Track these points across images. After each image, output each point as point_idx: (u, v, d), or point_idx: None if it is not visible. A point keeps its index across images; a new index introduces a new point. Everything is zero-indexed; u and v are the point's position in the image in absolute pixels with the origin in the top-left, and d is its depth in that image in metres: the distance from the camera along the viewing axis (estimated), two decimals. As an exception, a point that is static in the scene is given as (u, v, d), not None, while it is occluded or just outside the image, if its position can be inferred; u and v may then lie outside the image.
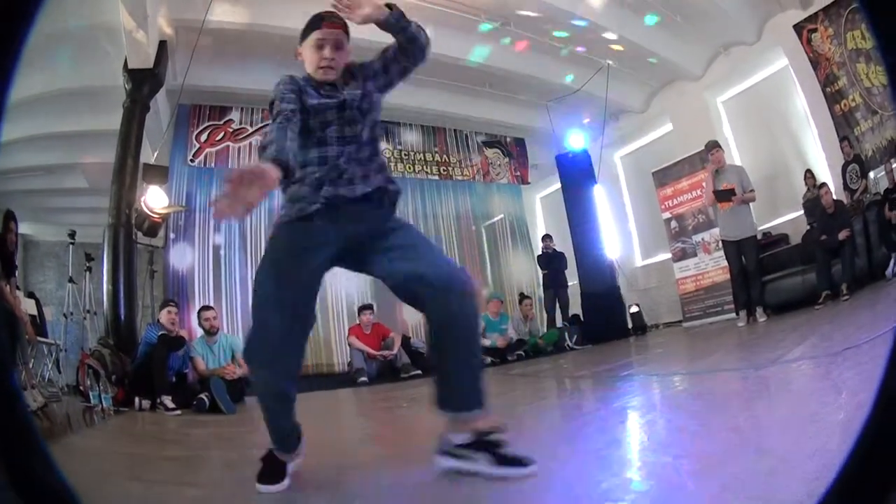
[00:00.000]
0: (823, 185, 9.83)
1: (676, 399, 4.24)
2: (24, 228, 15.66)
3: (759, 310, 9.18)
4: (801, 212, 10.66)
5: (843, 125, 10.45)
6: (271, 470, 2.78)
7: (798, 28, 10.89)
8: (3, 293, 6.22)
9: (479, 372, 2.71)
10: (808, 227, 10.18)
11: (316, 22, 3.00)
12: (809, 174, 10.55)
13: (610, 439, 3.11)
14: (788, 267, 10.03)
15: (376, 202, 2.89)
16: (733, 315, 10.03)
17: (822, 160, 10.81)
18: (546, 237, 13.92)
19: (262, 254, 2.92)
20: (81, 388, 8.02)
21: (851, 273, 8.92)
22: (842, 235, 9.09)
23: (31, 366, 7.02)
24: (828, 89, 10.65)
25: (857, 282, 8.90)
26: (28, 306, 9.40)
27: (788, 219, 11.18)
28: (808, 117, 11.09)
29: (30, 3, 1.34)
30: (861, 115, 10.34)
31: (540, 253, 13.95)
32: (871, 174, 9.98)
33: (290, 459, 2.84)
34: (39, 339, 9.36)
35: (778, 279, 9.90)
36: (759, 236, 9.91)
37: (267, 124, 12.32)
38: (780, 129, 11.82)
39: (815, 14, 10.60)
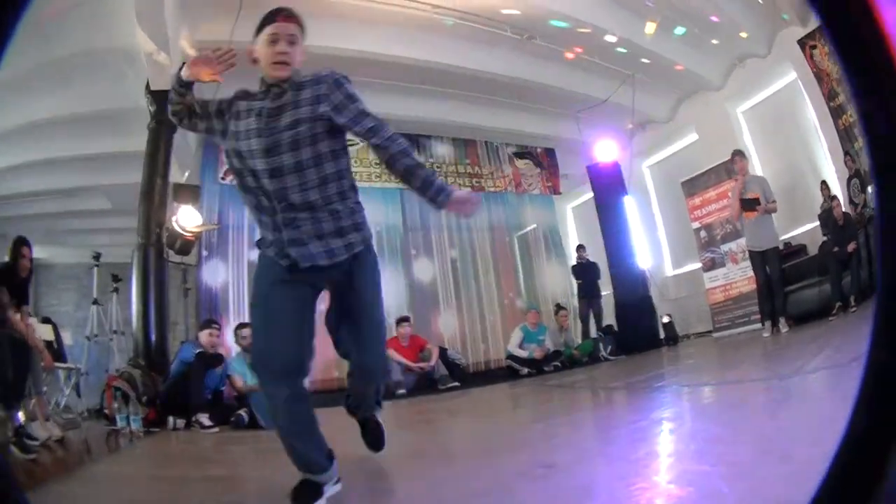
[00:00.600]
0: (834, 197, 10.08)
1: (708, 409, 4.51)
2: (36, 252, 16.13)
3: (782, 320, 9.37)
4: (818, 223, 10.73)
5: (845, 139, 10.53)
6: (306, 490, 2.83)
7: (801, 43, 11.05)
8: (12, 322, 6.18)
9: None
10: (824, 239, 10.32)
11: (270, 17, 3.00)
12: (825, 186, 10.59)
13: (648, 449, 3.29)
14: (807, 278, 10.23)
15: (333, 267, 2.98)
16: (759, 325, 10.12)
17: (832, 173, 10.93)
18: (580, 247, 14.11)
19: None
20: (106, 410, 8.06)
21: (858, 285, 9.21)
22: (850, 248, 9.38)
23: (44, 395, 6.81)
24: (831, 104, 10.78)
25: (863, 293, 9.11)
26: (44, 332, 9.46)
27: (807, 229, 11.28)
28: (818, 130, 11.26)
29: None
30: (858, 132, 10.39)
31: (574, 263, 14.12)
32: (869, 189, 10.04)
33: (324, 480, 2.89)
34: (58, 364, 9.34)
35: (798, 290, 10.11)
36: (781, 247, 10.12)
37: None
38: (795, 140, 11.96)
39: (814, 31, 10.72)
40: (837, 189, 10.45)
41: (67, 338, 12.12)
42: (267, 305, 2.97)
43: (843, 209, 9.91)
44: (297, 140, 2.89)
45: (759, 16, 11.60)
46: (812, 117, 11.35)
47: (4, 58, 1.29)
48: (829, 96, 10.77)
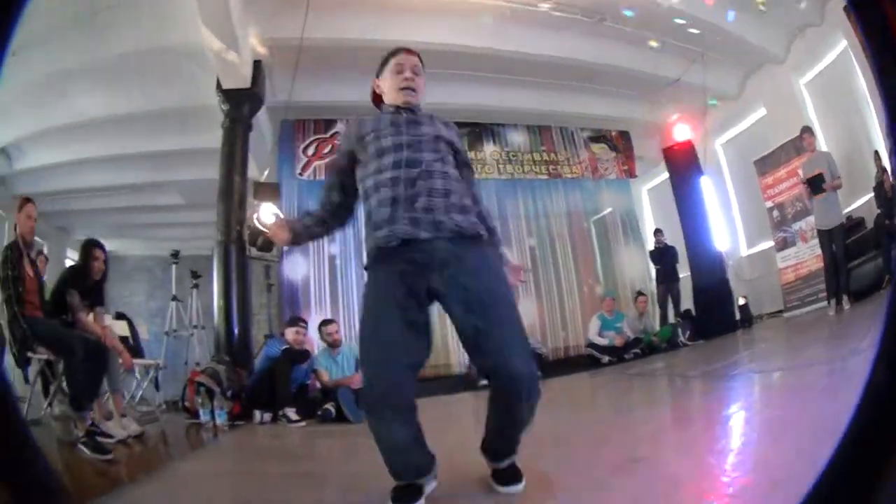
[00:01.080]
0: (885, 169, 9.90)
1: (778, 396, 4.72)
2: (108, 245, 16.45)
3: (845, 297, 9.37)
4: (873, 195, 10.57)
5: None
6: (408, 491, 2.79)
7: (846, 10, 10.73)
8: (84, 324, 6.23)
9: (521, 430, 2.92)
10: (878, 212, 10.16)
11: (393, 52, 3.22)
12: (877, 156, 10.38)
13: (726, 440, 3.40)
14: (866, 252, 10.04)
15: (452, 241, 2.88)
16: (825, 304, 10.16)
17: (881, 142, 10.56)
18: (657, 231, 13.97)
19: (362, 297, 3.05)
20: (187, 404, 8.19)
21: None
22: None
23: (121, 392, 6.85)
24: None
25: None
26: (119, 328, 9.70)
27: (864, 201, 11.01)
28: (867, 98, 11.00)
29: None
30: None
31: (651, 248, 14.05)
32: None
33: (426, 481, 2.88)
34: (136, 361, 9.11)
35: (858, 265, 9.95)
36: (845, 223, 10.02)
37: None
38: (851, 109, 11.65)
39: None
40: (887, 159, 10.16)
41: (144, 332, 12.31)
42: (379, 333, 2.83)
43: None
44: (433, 145, 3.05)
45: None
46: (862, 85, 11.09)
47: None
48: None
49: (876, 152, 10.36)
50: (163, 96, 11.05)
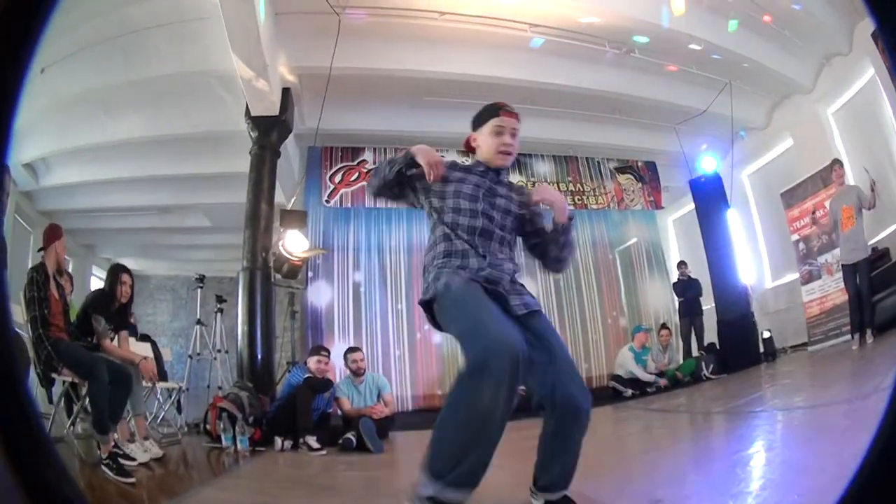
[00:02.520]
0: None
1: (798, 436, 4.67)
2: (132, 264, 16.44)
3: (868, 332, 9.30)
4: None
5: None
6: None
7: (874, 36, 10.49)
8: (108, 350, 6.32)
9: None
10: None
11: (494, 110, 3.33)
12: None
13: (746, 481, 3.34)
14: (890, 285, 9.93)
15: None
16: (849, 337, 10.13)
17: None
18: (681, 264, 13.93)
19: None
20: (209, 428, 8.16)
21: None
22: None
23: (144, 415, 6.95)
24: None
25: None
26: (143, 350, 9.38)
27: (890, 232, 11.04)
28: (894, 126, 11.00)
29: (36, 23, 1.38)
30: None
31: (675, 280, 14.00)
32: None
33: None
34: (159, 383, 9.35)
35: (882, 300, 9.83)
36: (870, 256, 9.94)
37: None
38: (878, 138, 11.65)
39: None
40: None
41: (167, 354, 12.63)
42: (479, 302, 2.92)
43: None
44: (504, 218, 3.32)
45: (840, 11, 11.43)
46: (888, 113, 11.07)
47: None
48: (899, 91, 10.44)
49: (901, 181, 10.14)
50: (193, 121, 11.30)
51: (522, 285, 3.26)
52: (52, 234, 6.18)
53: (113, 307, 6.59)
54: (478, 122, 3.40)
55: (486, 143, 3.34)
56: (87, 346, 6.20)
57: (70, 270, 8.22)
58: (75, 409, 6.14)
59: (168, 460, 6.61)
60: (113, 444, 5.49)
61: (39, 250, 6.09)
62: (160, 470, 6.03)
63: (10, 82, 1.37)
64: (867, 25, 10.67)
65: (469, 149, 3.50)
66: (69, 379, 5.89)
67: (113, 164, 12.44)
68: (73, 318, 6.35)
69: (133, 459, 5.78)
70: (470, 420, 2.53)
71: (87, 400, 5.75)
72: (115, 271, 6.78)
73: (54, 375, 5.81)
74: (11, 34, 1.34)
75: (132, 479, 5.06)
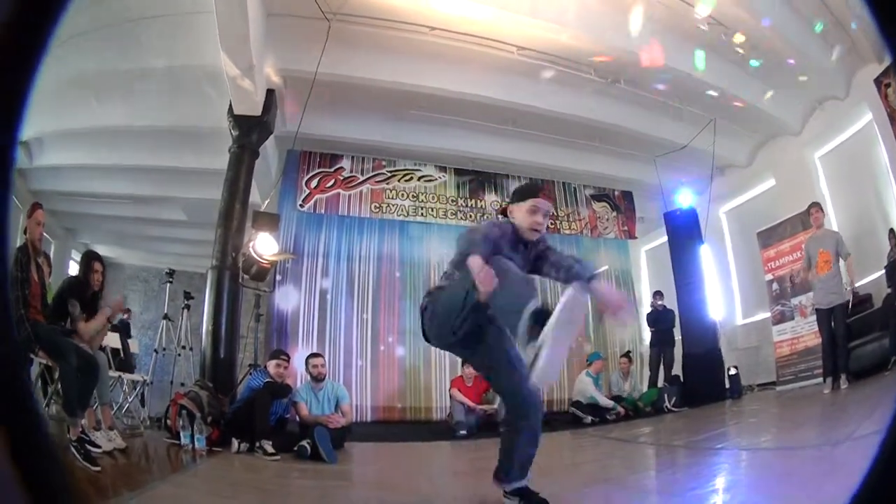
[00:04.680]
0: None
1: (761, 479, 4.59)
2: (107, 252, 16.54)
3: (843, 377, 9.38)
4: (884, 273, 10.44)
5: (915, 184, 10.44)
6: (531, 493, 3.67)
7: (878, 82, 10.90)
8: (82, 333, 6.50)
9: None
10: (888, 291, 10.09)
11: (534, 191, 3.91)
12: (892, 234, 10.34)
13: None
14: (871, 332, 9.97)
15: None
16: (820, 380, 10.17)
17: None
18: (656, 294, 14.07)
19: None
20: (170, 423, 8.20)
21: None
22: None
23: (110, 405, 7.19)
24: None
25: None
26: (111, 340, 9.94)
27: (873, 278, 10.92)
28: (890, 173, 10.99)
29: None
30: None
31: (649, 310, 14.15)
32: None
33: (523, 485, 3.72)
34: (125, 374, 9.73)
35: (860, 346, 9.89)
36: (849, 301, 10.06)
37: (377, 174, 12.84)
38: (868, 184, 11.74)
39: (889, 68, 10.40)
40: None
41: (135, 346, 12.80)
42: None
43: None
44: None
45: (840, 55, 11.41)
46: (884, 160, 11.09)
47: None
48: (901, 137, 10.73)
49: (892, 230, 10.41)
50: (178, 114, 11.41)
51: None
52: (31, 209, 6.45)
53: (86, 293, 6.84)
54: (518, 197, 3.96)
55: (521, 216, 3.86)
56: (60, 330, 6.43)
57: (51, 253, 8.27)
58: (49, 390, 6.51)
59: (130, 452, 6.75)
60: (80, 429, 5.79)
61: (25, 231, 6.32)
62: (123, 460, 6.22)
63: (20, 83, 1.40)
64: (870, 71, 11.11)
65: (504, 214, 4.05)
66: (44, 361, 6.25)
67: (98, 150, 12.58)
68: (49, 301, 6.59)
69: (98, 447, 6.00)
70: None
71: (59, 383, 6.07)
72: (88, 259, 7.07)
73: (31, 356, 6.12)
74: (21, 38, 1.36)
75: (98, 468, 5.31)
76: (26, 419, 1.38)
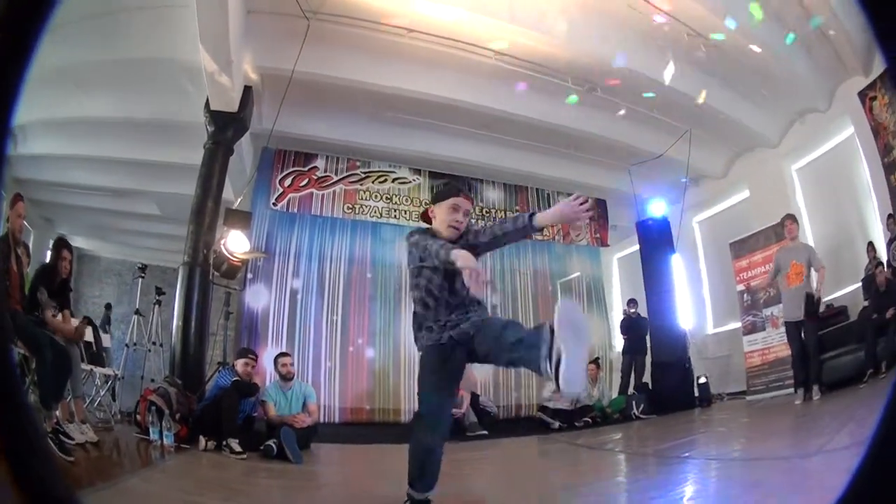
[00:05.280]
0: (880, 263, 10.06)
1: (729, 489, 4.58)
2: (83, 244, 16.85)
3: (815, 388, 9.46)
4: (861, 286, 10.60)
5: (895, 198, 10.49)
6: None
7: (862, 95, 10.99)
8: (51, 323, 6.66)
9: None
10: (864, 304, 10.18)
11: (455, 191, 4.05)
12: (871, 247, 10.52)
13: None
14: (845, 344, 10.04)
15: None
16: (791, 391, 10.36)
17: (880, 233, 10.73)
18: (631, 301, 14.15)
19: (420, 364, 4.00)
20: (140, 419, 8.28)
21: (893, 350, 9.01)
22: (889, 313, 9.21)
23: (83, 398, 7.48)
24: (885, 159, 10.65)
25: (896, 359, 9.20)
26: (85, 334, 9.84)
27: (849, 291, 11.12)
28: (870, 188, 11.18)
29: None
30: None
31: (623, 317, 14.29)
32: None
33: (429, 498, 3.77)
34: (97, 368, 9.78)
35: (834, 357, 9.96)
36: (821, 308, 10.20)
37: (351, 174, 12.81)
38: (847, 198, 11.93)
39: (875, 81, 10.68)
40: (884, 250, 10.39)
41: (107, 340, 12.65)
42: (436, 381, 3.87)
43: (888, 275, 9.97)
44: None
45: (823, 68, 11.60)
46: (865, 174, 11.33)
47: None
48: (885, 151, 10.72)
49: (870, 244, 10.57)
50: (155, 107, 11.39)
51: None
52: (13, 201, 6.56)
53: (55, 281, 6.97)
54: (438, 198, 4.07)
55: (441, 216, 3.96)
56: (35, 320, 6.52)
57: (30, 244, 8.26)
58: (27, 381, 6.38)
59: (102, 445, 6.84)
60: (55, 420, 5.93)
61: (7, 220, 6.40)
62: (95, 453, 6.35)
63: (11, 78, 1.51)
64: (854, 84, 11.20)
65: (426, 219, 4.13)
66: (21, 351, 6.18)
67: (78, 141, 12.57)
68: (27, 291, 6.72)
69: (71, 438, 6.11)
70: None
71: (35, 375, 6.09)
72: (57, 246, 7.26)
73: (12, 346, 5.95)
74: (12, 33, 1.48)
75: (72, 458, 5.42)
76: (16, 413, 1.42)
